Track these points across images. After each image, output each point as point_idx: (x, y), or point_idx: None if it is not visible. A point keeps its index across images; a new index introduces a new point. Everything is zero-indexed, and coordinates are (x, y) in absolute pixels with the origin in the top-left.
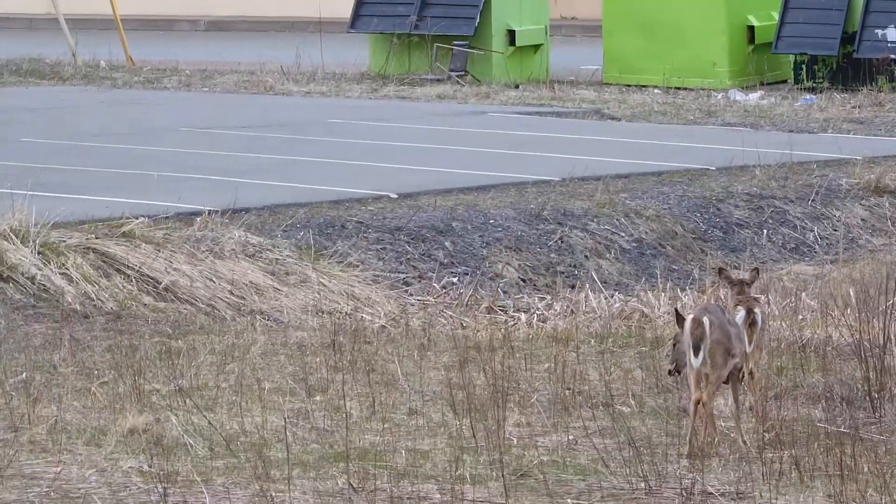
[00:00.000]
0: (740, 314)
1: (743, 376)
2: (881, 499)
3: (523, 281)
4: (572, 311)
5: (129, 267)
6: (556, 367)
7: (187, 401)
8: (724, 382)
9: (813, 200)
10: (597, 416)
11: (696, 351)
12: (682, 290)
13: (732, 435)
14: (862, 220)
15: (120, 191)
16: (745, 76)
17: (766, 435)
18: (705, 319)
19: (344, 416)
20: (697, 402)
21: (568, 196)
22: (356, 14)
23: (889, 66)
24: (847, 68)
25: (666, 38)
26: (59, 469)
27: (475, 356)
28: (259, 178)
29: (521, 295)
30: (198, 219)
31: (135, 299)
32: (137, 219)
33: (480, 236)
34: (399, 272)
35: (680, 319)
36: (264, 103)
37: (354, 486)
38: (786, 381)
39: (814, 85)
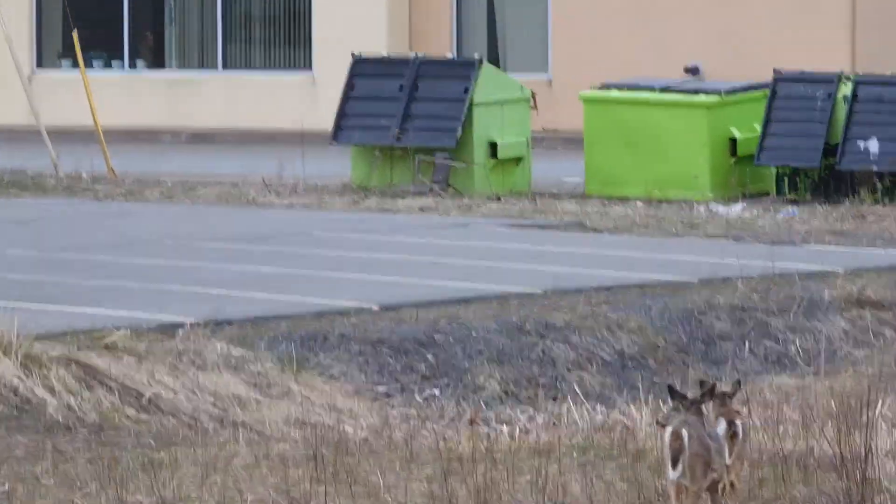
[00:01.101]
0: (721, 426)
1: (724, 489)
2: None
3: (505, 393)
4: (554, 423)
5: (111, 379)
6: (539, 480)
7: None
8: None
9: (795, 313)
10: None
11: (675, 463)
12: (665, 402)
13: None
14: (844, 332)
15: (102, 302)
16: (727, 188)
17: None
18: (684, 432)
19: None
20: None
21: (550, 308)
22: (338, 126)
23: (871, 179)
24: (829, 180)
25: (648, 151)
26: None
27: (457, 468)
28: (241, 290)
29: (504, 407)
30: (180, 331)
31: (117, 411)
32: (120, 331)
33: (462, 349)
34: (381, 384)
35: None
36: (246, 215)
37: None
38: (767, 492)
39: (796, 197)
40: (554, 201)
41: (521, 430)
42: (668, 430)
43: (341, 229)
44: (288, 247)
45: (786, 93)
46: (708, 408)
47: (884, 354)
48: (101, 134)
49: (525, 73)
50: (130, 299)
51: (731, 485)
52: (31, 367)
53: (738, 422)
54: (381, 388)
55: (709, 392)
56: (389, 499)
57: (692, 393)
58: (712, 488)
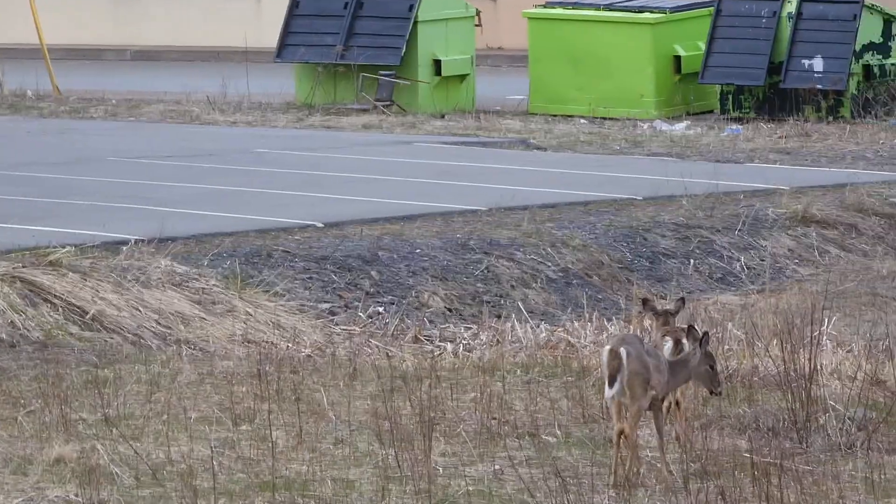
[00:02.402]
0: (668, 344)
1: (669, 407)
2: None
3: (449, 311)
4: (498, 340)
5: (55, 296)
6: (482, 397)
7: (114, 430)
8: (647, 411)
9: (739, 230)
10: (523, 447)
11: (612, 381)
12: (609, 320)
13: (658, 465)
14: (789, 250)
15: (46, 220)
16: (672, 106)
17: (692, 465)
18: (622, 350)
19: (270, 445)
20: (620, 433)
21: (494, 226)
22: (282, 44)
23: (815, 97)
24: (773, 98)
25: (592, 69)
26: None
27: (401, 386)
28: (185, 207)
29: (447, 325)
30: (124, 248)
31: (61, 329)
32: (64, 248)
33: (407, 266)
34: (325, 301)
35: (652, 312)
36: (190, 133)
37: None
38: (712, 411)
39: (740, 115)
40: (498, 119)
41: (464, 348)
42: (606, 348)
43: (285, 147)
44: (232, 164)
45: (730, 10)
46: (652, 325)
47: (829, 273)
48: (46, 51)
49: None
50: (75, 217)
51: (677, 403)
52: None
53: (685, 340)
54: (325, 306)
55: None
56: (333, 416)
57: (663, 305)
58: (655, 406)
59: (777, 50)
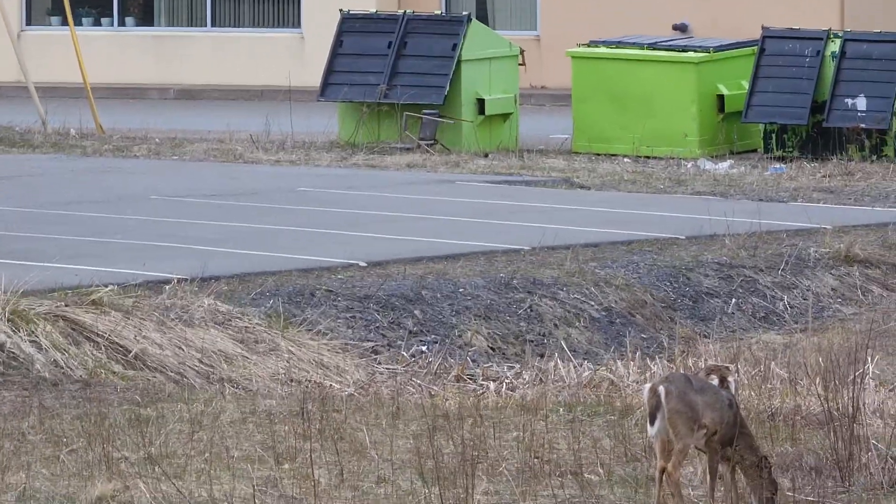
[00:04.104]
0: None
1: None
2: None
3: (492, 349)
4: (541, 379)
5: (98, 335)
6: (525, 436)
7: (156, 468)
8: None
9: (782, 269)
10: (565, 485)
11: (652, 420)
12: (652, 359)
13: None
14: (831, 289)
15: (89, 259)
16: (715, 145)
17: None
18: (661, 388)
19: (312, 484)
20: (662, 471)
21: (537, 265)
22: (326, 82)
23: (859, 136)
24: (817, 137)
25: (635, 107)
26: None
27: (444, 424)
28: (228, 246)
29: (490, 363)
30: (167, 287)
31: (104, 367)
32: (107, 287)
33: (450, 305)
34: (368, 340)
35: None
36: (234, 171)
37: None
38: None
39: (783, 154)
40: (541, 158)
41: (507, 387)
42: (647, 386)
43: (328, 185)
44: (275, 203)
45: (774, 50)
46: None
47: (871, 311)
48: (90, 90)
49: (513, 31)
50: (118, 255)
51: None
52: (18, 324)
53: (731, 378)
54: (369, 344)
55: None
56: (375, 455)
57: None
58: (711, 445)
59: (820, 89)
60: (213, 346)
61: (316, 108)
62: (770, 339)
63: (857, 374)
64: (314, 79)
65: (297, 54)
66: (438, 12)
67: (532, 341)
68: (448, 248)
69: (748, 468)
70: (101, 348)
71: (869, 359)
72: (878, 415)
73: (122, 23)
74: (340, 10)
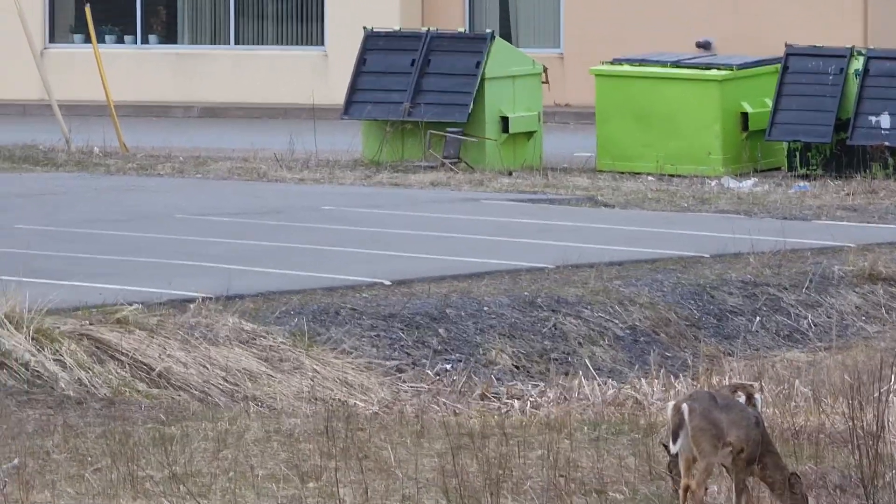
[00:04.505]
0: (741, 400)
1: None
2: None
3: (517, 368)
4: (566, 398)
5: (122, 353)
6: (550, 455)
7: (181, 487)
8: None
9: (807, 288)
10: None
11: (675, 437)
12: (676, 377)
13: None
14: (856, 307)
15: (114, 277)
16: (739, 163)
17: None
18: (684, 406)
19: (337, 503)
20: (686, 489)
21: (562, 283)
22: (349, 101)
23: (883, 153)
24: (841, 155)
25: (659, 126)
26: None
27: (468, 443)
28: (253, 264)
29: (515, 382)
30: (192, 305)
31: (129, 385)
32: (131, 305)
33: (474, 323)
34: (393, 359)
35: None
36: (257, 190)
37: None
38: None
39: (808, 172)
40: (565, 176)
41: (532, 405)
42: (671, 404)
43: (353, 204)
44: (299, 221)
45: (797, 67)
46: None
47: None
48: (113, 108)
49: (537, 48)
50: (142, 274)
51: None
52: (43, 342)
53: (757, 395)
54: (393, 363)
55: None
56: (400, 473)
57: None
58: (737, 463)
59: (844, 107)
60: (237, 365)
61: (340, 126)
62: (794, 357)
63: (881, 391)
64: (338, 97)
65: (320, 72)
66: (462, 30)
67: (556, 359)
68: (472, 267)
69: (777, 486)
70: (125, 367)
71: (893, 377)
72: None
73: (145, 40)
74: (364, 28)
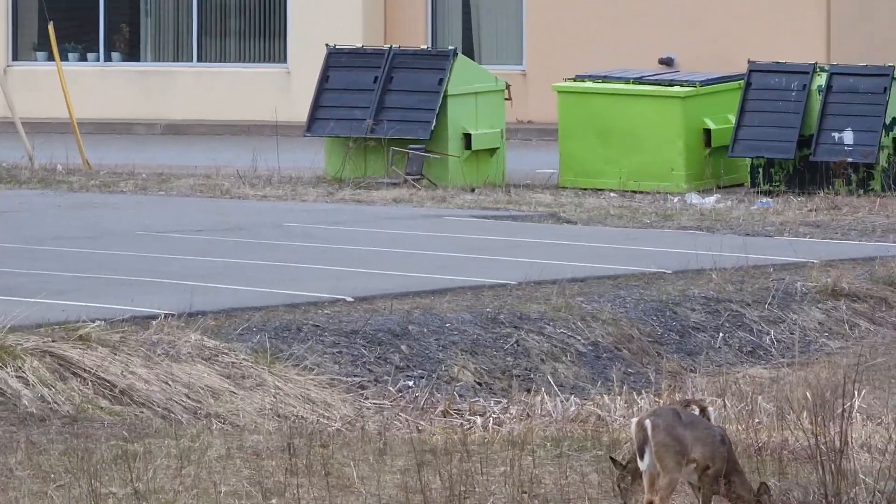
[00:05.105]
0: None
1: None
2: None
3: (479, 384)
4: (528, 414)
5: (85, 370)
6: (513, 471)
7: None
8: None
9: (769, 304)
10: None
11: (641, 454)
12: (639, 393)
13: None
14: (819, 323)
15: (77, 294)
16: (702, 179)
17: None
18: (647, 422)
19: None
20: None
21: (524, 300)
22: (312, 118)
23: (846, 170)
24: (804, 171)
25: (622, 142)
26: None
27: (431, 460)
28: (215, 281)
29: (477, 398)
30: (154, 322)
31: (91, 402)
32: (94, 322)
33: (437, 340)
34: (355, 375)
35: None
36: (220, 207)
37: None
38: None
39: (770, 188)
40: (528, 192)
41: (494, 422)
42: (634, 420)
43: (315, 220)
44: (262, 238)
45: (760, 83)
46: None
47: (858, 345)
48: (76, 126)
49: (499, 65)
50: (104, 291)
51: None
52: (5, 359)
53: (711, 409)
54: (355, 380)
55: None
56: (363, 490)
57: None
58: (704, 479)
59: (807, 123)
60: (199, 382)
61: (302, 143)
62: (757, 373)
63: (844, 408)
64: (301, 113)
65: (283, 89)
66: (425, 47)
67: (519, 376)
68: (435, 283)
69: (743, 503)
70: (88, 384)
71: (856, 393)
72: (865, 449)
73: (108, 58)
74: (326, 45)
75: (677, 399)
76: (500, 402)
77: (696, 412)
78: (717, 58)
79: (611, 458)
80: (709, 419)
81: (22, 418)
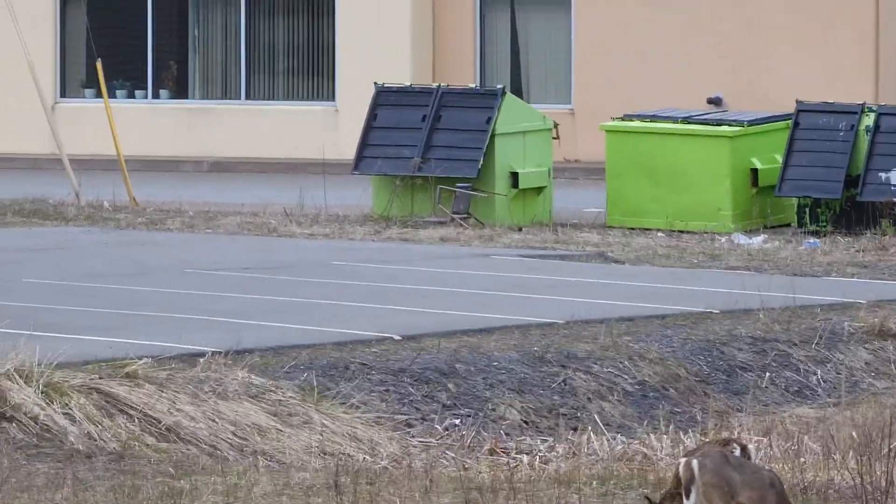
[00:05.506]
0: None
1: None
2: None
3: (526, 423)
4: (575, 453)
5: (132, 407)
6: None
7: None
8: None
9: (816, 344)
10: None
11: (687, 494)
12: (685, 432)
13: None
14: (865, 363)
15: (123, 331)
16: (749, 219)
17: None
18: (694, 462)
19: None
20: None
21: (571, 339)
22: (360, 156)
23: (893, 210)
24: (851, 212)
25: (669, 182)
26: None
27: (477, 498)
28: (262, 319)
29: (524, 437)
30: (201, 360)
31: (138, 439)
32: (141, 359)
33: (483, 378)
34: (402, 413)
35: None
36: (267, 245)
37: None
38: None
39: (817, 228)
40: (575, 232)
41: (541, 460)
42: (682, 460)
43: (362, 259)
44: (309, 276)
45: (808, 123)
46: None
47: None
48: (123, 163)
49: (547, 104)
50: (151, 328)
51: None
52: (52, 396)
53: (750, 446)
54: (402, 418)
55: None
56: None
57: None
58: None
59: (854, 163)
60: (246, 419)
61: (350, 182)
62: (803, 413)
63: (890, 448)
64: (348, 152)
65: (331, 127)
66: (473, 85)
67: (565, 415)
68: (482, 322)
69: None
70: (134, 420)
71: None
72: None
73: (156, 95)
74: (375, 83)
75: (718, 438)
76: (546, 441)
77: (737, 450)
78: (765, 98)
79: (646, 497)
80: (749, 458)
81: (68, 455)
